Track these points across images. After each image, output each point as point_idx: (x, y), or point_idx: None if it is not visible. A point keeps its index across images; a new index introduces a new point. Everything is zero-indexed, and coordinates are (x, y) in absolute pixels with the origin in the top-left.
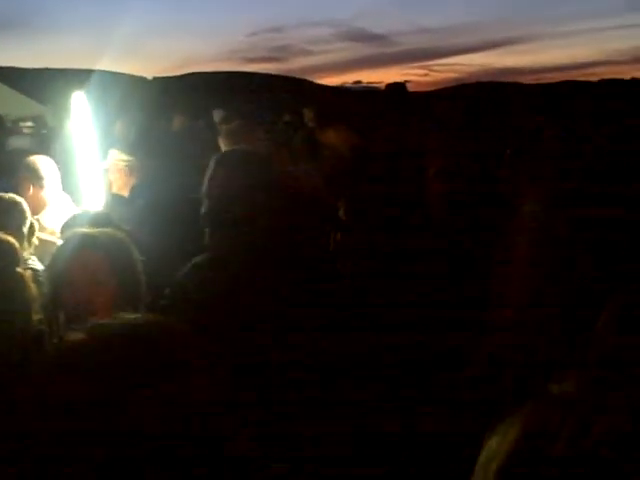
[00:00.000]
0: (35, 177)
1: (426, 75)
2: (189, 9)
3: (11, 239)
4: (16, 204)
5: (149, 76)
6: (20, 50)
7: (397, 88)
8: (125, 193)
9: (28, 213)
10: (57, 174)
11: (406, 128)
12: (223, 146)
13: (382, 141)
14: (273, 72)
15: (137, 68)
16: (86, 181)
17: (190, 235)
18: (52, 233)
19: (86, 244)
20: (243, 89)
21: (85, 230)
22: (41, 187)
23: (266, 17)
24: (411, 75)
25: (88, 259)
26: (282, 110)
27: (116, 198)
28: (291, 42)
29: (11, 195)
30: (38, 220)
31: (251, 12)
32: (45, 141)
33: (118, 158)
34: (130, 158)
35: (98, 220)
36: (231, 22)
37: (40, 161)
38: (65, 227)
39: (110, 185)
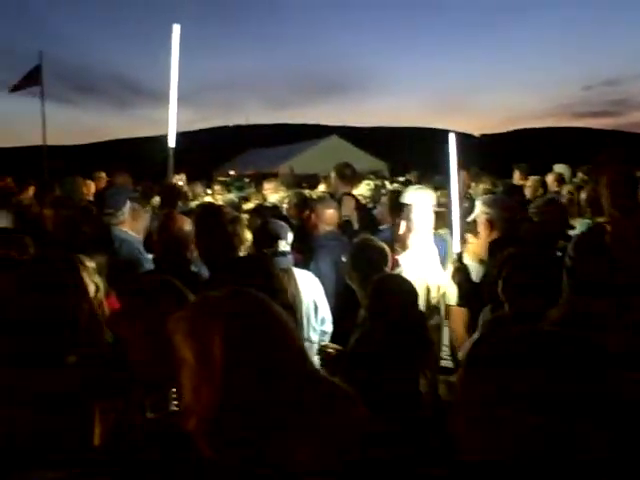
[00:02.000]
0: (406, 217)
1: None
2: (520, 64)
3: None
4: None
5: (476, 133)
6: (357, 110)
7: None
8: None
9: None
10: (428, 219)
11: None
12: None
13: None
14: (606, 127)
15: (464, 125)
16: (455, 226)
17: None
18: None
19: None
20: (576, 145)
21: None
22: (410, 229)
23: (602, 69)
24: None
25: None
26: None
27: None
28: (627, 95)
29: (368, 239)
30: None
31: (586, 64)
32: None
33: (482, 209)
34: (489, 210)
35: None
36: (565, 75)
37: (413, 204)
38: None
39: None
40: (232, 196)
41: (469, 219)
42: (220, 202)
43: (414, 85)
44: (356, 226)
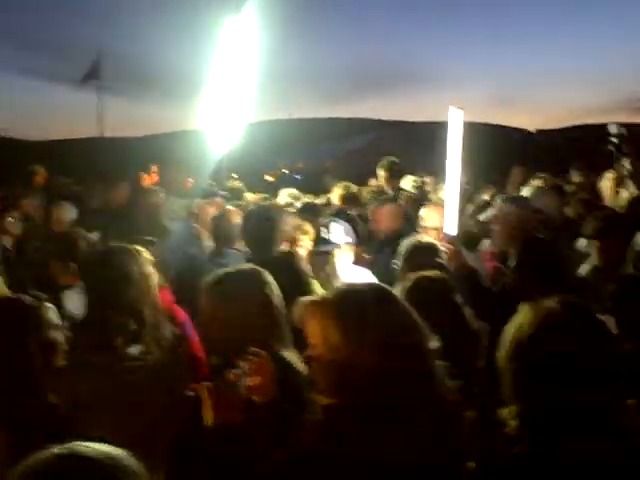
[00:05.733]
0: None
1: None
2: (583, 57)
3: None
4: None
5: (531, 128)
6: (408, 104)
7: None
8: None
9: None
10: None
11: None
12: None
13: None
14: None
15: (518, 120)
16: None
17: None
18: None
19: None
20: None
21: None
22: None
23: None
24: None
25: None
26: None
27: None
28: None
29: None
30: None
31: None
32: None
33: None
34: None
35: None
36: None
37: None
38: None
39: None
40: (294, 191)
41: (482, 218)
42: (283, 196)
43: (469, 80)
44: None
